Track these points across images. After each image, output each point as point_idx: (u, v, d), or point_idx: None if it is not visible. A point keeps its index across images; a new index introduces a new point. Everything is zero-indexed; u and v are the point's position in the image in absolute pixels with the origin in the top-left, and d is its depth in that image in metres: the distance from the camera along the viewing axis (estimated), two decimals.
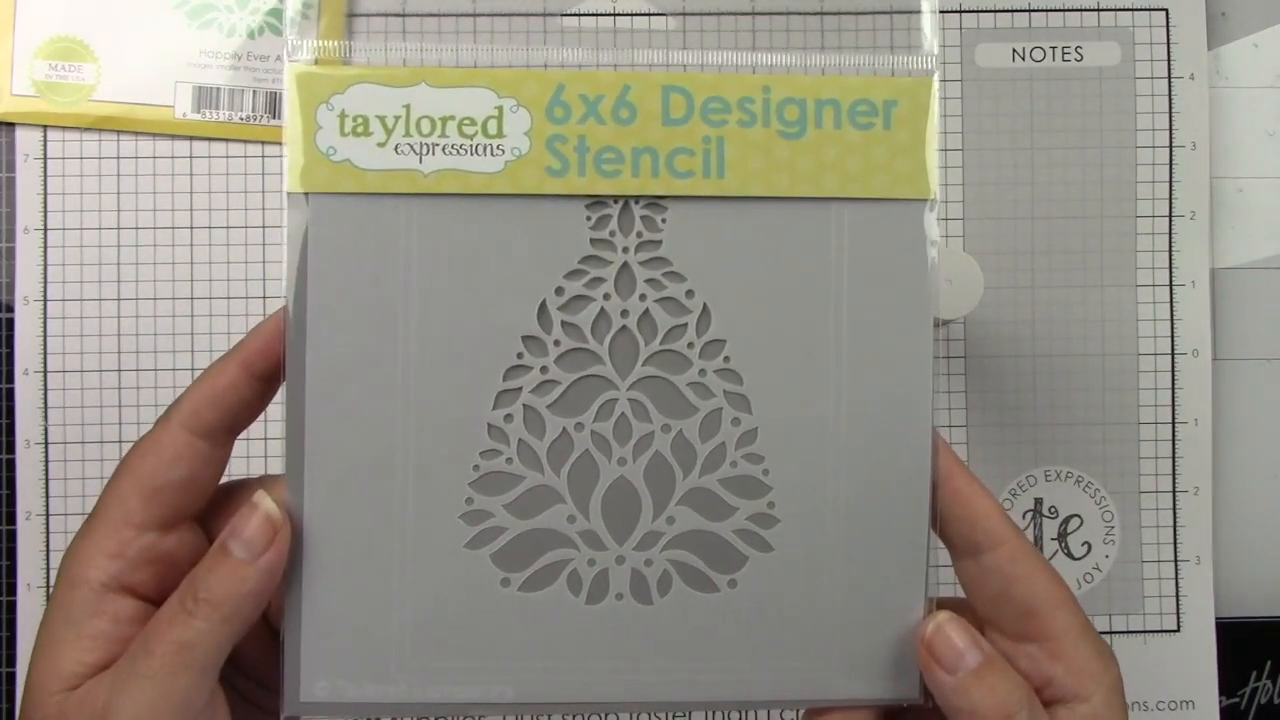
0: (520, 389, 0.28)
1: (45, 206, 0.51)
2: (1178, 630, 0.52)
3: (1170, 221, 0.53)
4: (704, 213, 0.28)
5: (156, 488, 0.30)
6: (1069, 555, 0.52)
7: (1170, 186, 0.53)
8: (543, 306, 0.28)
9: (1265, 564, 0.53)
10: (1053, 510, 0.52)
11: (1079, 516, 0.52)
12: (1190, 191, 0.53)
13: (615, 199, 0.28)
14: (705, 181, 0.28)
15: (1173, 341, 0.53)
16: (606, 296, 0.29)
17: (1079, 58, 0.53)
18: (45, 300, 0.51)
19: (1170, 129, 0.53)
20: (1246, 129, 0.54)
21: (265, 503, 0.29)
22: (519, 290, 0.28)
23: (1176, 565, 0.52)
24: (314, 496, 0.29)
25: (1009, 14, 0.53)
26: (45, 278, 0.51)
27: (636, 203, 0.28)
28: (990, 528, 0.31)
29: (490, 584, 0.29)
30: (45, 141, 0.51)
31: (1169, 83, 0.53)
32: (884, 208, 0.28)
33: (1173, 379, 0.53)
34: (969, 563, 0.32)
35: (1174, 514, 0.52)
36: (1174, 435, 0.52)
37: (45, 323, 0.51)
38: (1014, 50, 0.53)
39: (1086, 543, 0.52)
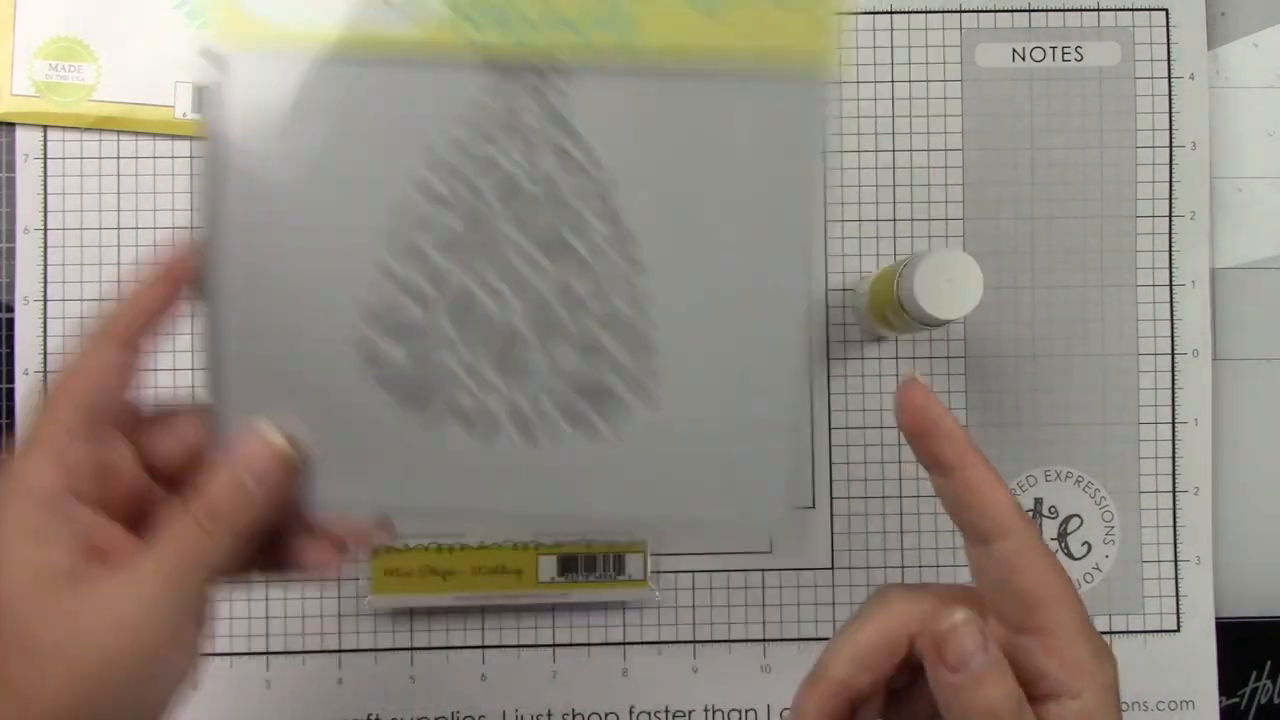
0: (411, 233, 0.29)
1: (45, 206, 0.51)
2: (1178, 630, 0.52)
3: (1170, 221, 0.53)
4: (613, 83, 0.28)
5: (91, 402, 0.31)
6: (1069, 555, 0.52)
7: (1170, 186, 0.53)
8: (439, 159, 0.28)
9: (1265, 564, 0.53)
10: (1053, 510, 0.52)
11: (1079, 516, 0.52)
12: (1190, 191, 0.53)
13: (530, 66, 0.28)
14: (615, 53, 0.28)
15: (1173, 341, 0.53)
16: (509, 155, 0.29)
17: (1079, 58, 0.53)
18: (45, 300, 0.51)
19: (1170, 129, 0.53)
20: (1246, 129, 0.54)
21: (273, 436, 0.31)
22: (418, 143, 0.28)
23: (1176, 565, 0.52)
24: (230, 318, 0.31)
25: (1009, 14, 0.53)
26: (45, 278, 0.51)
27: (546, 70, 0.28)
28: (999, 518, 0.32)
29: (384, 419, 0.30)
30: (45, 141, 0.51)
31: (1169, 83, 0.53)
32: (787, 85, 0.28)
33: (1173, 379, 0.53)
34: (978, 550, 0.32)
35: (1174, 514, 0.52)
36: (1174, 435, 0.52)
37: (45, 323, 0.51)
38: (1014, 50, 0.53)
39: (1086, 543, 0.52)
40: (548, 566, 0.46)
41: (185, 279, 0.33)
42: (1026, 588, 0.31)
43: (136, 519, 0.32)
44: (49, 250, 0.51)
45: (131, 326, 0.32)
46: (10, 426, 0.50)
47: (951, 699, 0.30)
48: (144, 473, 0.33)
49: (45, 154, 0.51)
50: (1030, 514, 0.52)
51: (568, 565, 0.46)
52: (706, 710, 0.51)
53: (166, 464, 0.33)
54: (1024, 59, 0.53)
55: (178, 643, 0.31)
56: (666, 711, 0.51)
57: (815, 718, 0.32)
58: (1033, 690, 0.31)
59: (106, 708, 0.30)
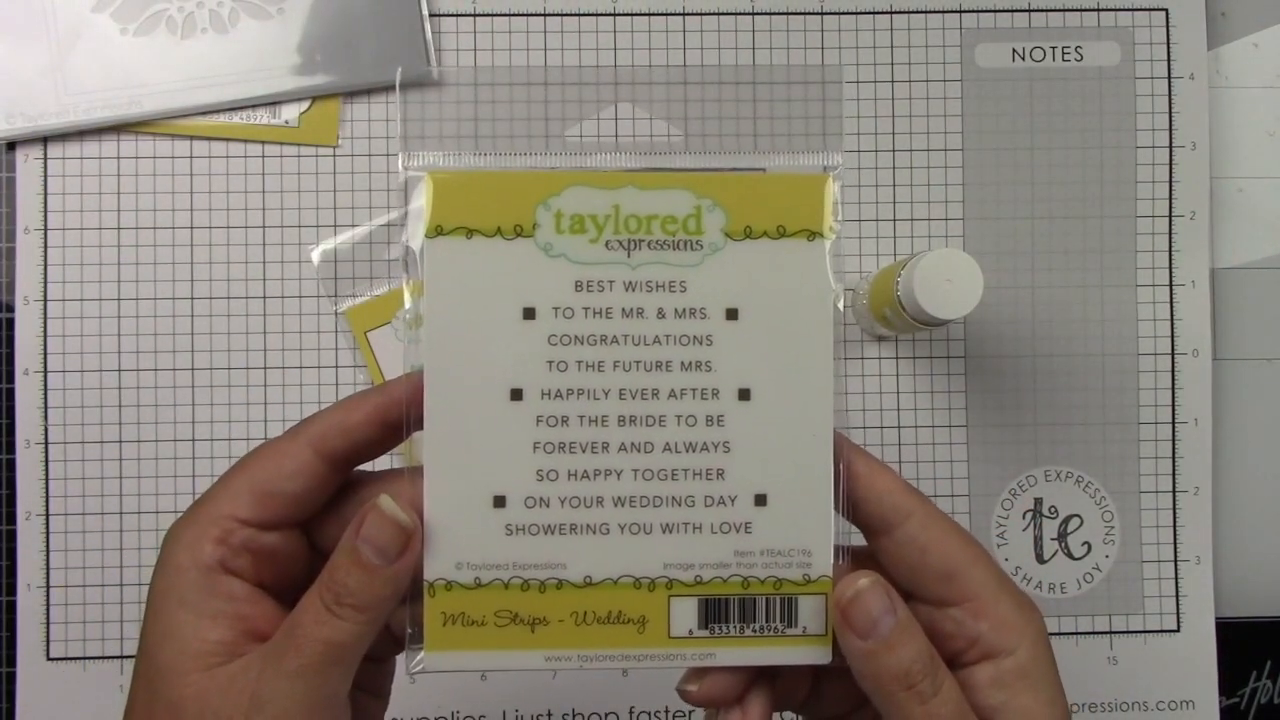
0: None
1: (45, 206, 0.51)
2: (1178, 630, 0.52)
3: (1170, 221, 0.53)
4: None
5: (269, 492, 0.31)
6: (1069, 555, 0.52)
7: (1170, 186, 0.53)
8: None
9: (1265, 564, 0.53)
10: (1053, 510, 0.52)
11: (1079, 516, 0.52)
12: (1190, 191, 0.53)
13: None
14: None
15: (1173, 341, 0.53)
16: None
17: (1079, 58, 0.53)
18: (45, 300, 0.51)
19: (1170, 129, 0.53)
20: (1246, 129, 0.54)
21: (391, 508, 0.30)
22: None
23: (1176, 565, 0.52)
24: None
25: (1009, 14, 0.53)
26: (45, 278, 0.51)
27: None
28: (895, 502, 0.32)
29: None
30: (45, 142, 0.51)
31: (1169, 83, 0.53)
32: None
33: (1173, 379, 0.53)
34: (884, 540, 0.32)
35: (1174, 514, 0.52)
36: (1174, 435, 0.52)
37: (45, 323, 0.51)
38: (1014, 50, 0.53)
39: (1086, 543, 0.52)
40: (684, 614, 0.32)
41: (398, 419, 0.32)
42: (939, 562, 0.31)
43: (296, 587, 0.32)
44: (49, 250, 0.51)
45: (327, 439, 0.32)
46: (10, 426, 0.51)
47: (863, 666, 0.30)
48: (318, 563, 0.32)
49: (45, 154, 0.51)
50: (1030, 514, 0.52)
51: (713, 612, 0.32)
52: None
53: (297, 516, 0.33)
54: (1024, 59, 0.53)
55: None
56: (666, 711, 0.51)
57: None
58: (967, 655, 0.31)
59: None
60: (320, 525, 0.33)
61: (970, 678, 0.31)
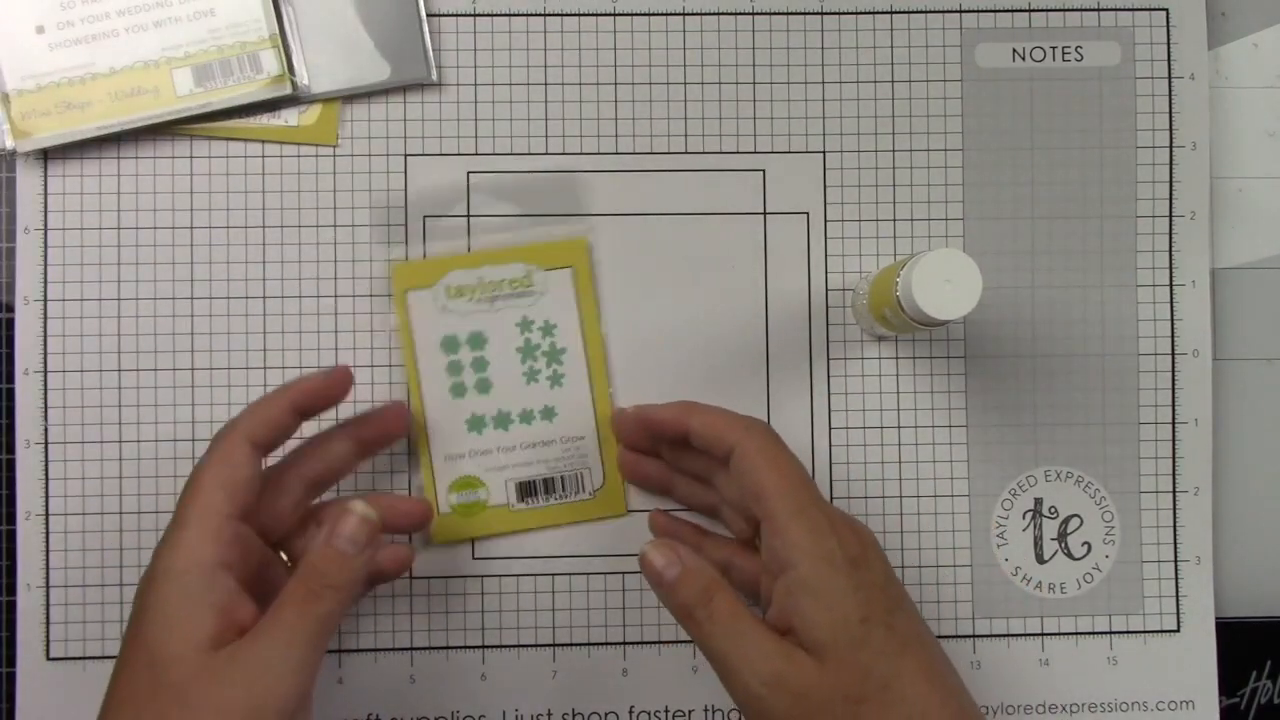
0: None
1: (45, 206, 0.51)
2: (1178, 630, 0.52)
3: (1170, 221, 0.53)
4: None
5: (235, 483, 0.40)
6: (1069, 555, 0.52)
7: (1170, 186, 0.53)
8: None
9: (1265, 564, 0.53)
10: (1053, 510, 0.52)
11: (1079, 516, 0.52)
12: (1190, 191, 0.53)
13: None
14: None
15: (1173, 341, 0.53)
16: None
17: (1079, 58, 0.53)
18: (45, 300, 0.51)
19: (1170, 129, 0.53)
20: (1246, 129, 0.54)
21: (360, 508, 0.40)
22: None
23: (1176, 565, 0.52)
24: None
25: (1009, 14, 0.53)
26: (45, 278, 0.51)
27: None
28: (726, 438, 0.42)
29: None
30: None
31: (1169, 83, 0.53)
32: None
33: (1173, 379, 0.53)
34: (723, 472, 0.44)
35: (1174, 514, 0.52)
36: (1174, 435, 0.52)
37: (45, 323, 0.51)
38: (1014, 50, 0.53)
39: (1086, 543, 0.52)
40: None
41: (305, 412, 0.44)
42: (750, 485, 0.41)
43: (259, 587, 0.40)
44: (49, 250, 0.51)
45: (255, 428, 0.42)
46: (10, 426, 0.51)
47: (660, 600, 0.42)
48: (264, 544, 0.42)
49: (46, 154, 0.51)
50: (1030, 514, 0.52)
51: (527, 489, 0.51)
52: (706, 710, 0.51)
53: (273, 532, 0.44)
54: (1024, 59, 0.53)
55: (306, 694, 0.38)
56: (666, 711, 0.51)
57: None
58: (771, 567, 0.40)
59: None
60: (258, 515, 0.43)
61: (774, 585, 0.40)
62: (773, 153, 0.52)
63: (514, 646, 0.51)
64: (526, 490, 0.50)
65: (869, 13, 0.52)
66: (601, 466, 0.50)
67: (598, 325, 0.50)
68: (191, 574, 0.38)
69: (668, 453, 0.49)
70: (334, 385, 0.44)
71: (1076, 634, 0.52)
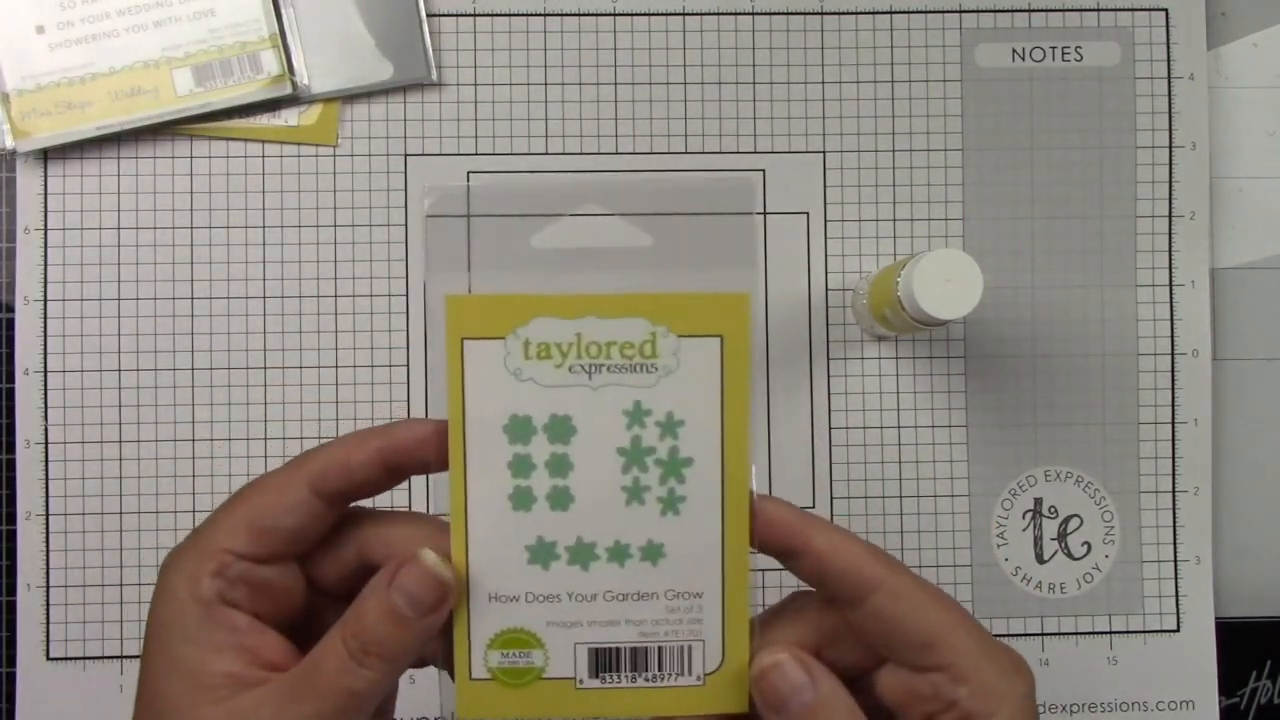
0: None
1: (45, 206, 0.51)
2: (1178, 630, 0.52)
3: (1170, 221, 0.53)
4: None
5: (265, 528, 0.31)
6: (1069, 555, 0.52)
7: (1170, 186, 0.53)
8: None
9: (1265, 564, 0.53)
10: (1053, 510, 0.52)
11: (1079, 516, 0.52)
12: (1190, 191, 0.53)
13: None
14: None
15: (1173, 341, 0.53)
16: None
17: (1079, 58, 0.53)
18: (45, 300, 0.51)
19: (1170, 129, 0.53)
20: (1246, 129, 0.54)
21: (431, 560, 0.30)
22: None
23: (1176, 565, 0.52)
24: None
25: (1009, 14, 0.53)
26: (45, 278, 0.51)
27: None
28: (862, 574, 0.31)
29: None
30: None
31: (1169, 83, 0.53)
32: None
33: (1173, 379, 0.53)
34: (855, 611, 0.31)
35: (1174, 514, 0.52)
36: (1174, 435, 0.52)
37: (45, 323, 0.51)
38: (1014, 50, 0.53)
39: (1086, 543, 0.52)
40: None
41: (400, 465, 0.32)
42: (913, 633, 0.31)
43: (310, 636, 0.32)
44: (49, 250, 0.51)
45: (326, 478, 0.31)
46: (10, 426, 0.51)
47: None
48: (314, 596, 0.33)
49: (46, 154, 0.51)
50: (1030, 514, 0.52)
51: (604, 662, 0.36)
52: None
53: (334, 589, 0.33)
54: (1024, 59, 0.53)
55: None
56: None
57: None
58: (946, 716, 0.31)
59: None
60: (315, 558, 0.32)
61: None
62: (773, 153, 0.52)
63: None
64: (605, 661, 0.34)
65: (869, 13, 0.52)
66: (721, 639, 0.33)
67: (746, 428, 0.33)
68: (188, 608, 0.31)
69: None
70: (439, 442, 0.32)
71: (1076, 634, 0.52)
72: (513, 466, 0.33)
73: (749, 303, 0.33)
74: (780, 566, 0.32)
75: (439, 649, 0.32)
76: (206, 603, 0.30)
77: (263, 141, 0.51)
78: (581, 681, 0.33)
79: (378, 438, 0.32)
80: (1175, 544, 0.52)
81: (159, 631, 0.31)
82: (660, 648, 0.34)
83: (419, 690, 0.50)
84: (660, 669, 0.34)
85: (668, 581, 0.33)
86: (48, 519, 0.50)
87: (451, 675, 0.32)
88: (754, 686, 0.31)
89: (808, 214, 0.52)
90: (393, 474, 0.32)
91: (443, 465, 0.32)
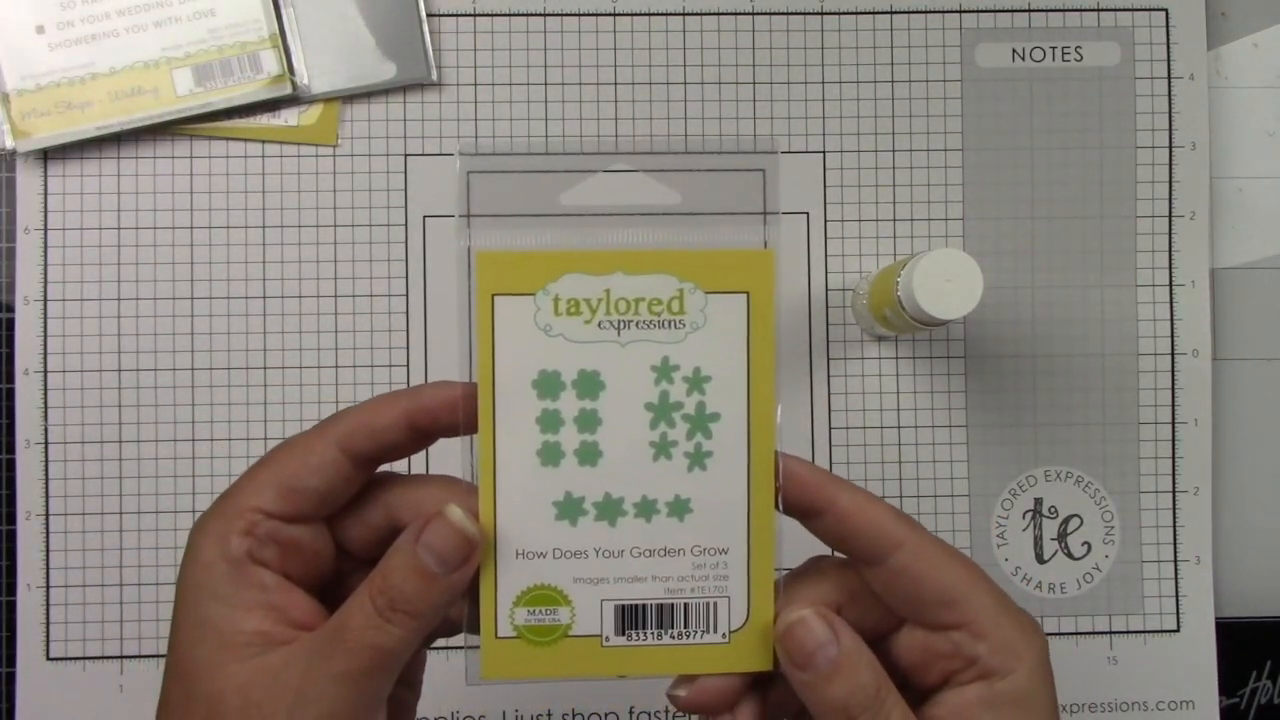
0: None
1: (45, 206, 0.51)
2: (1178, 630, 0.52)
3: (1170, 221, 0.53)
4: None
5: (294, 488, 0.31)
6: (1069, 555, 0.52)
7: (1170, 186, 0.53)
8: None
9: (1265, 564, 0.53)
10: (1053, 510, 0.52)
11: (1079, 516, 0.52)
12: (1190, 191, 0.53)
13: None
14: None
15: (1173, 341, 0.53)
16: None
17: (1079, 58, 0.53)
18: (45, 300, 0.51)
19: (1170, 129, 0.53)
20: (1246, 129, 0.54)
21: (457, 516, 0.30)
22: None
23: (1176, 565, 0.52)
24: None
25: (1009, 14, 0.53)
26: (45, 278, 0.51)
27: None
28: (885, 533, 0.31)
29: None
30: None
31: (1169, 83, 0.53)
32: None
33: (1173, 379, 0.53)
34: (877, 570, 0.31)
35: (1174, 514, 0.52)
36: (1174, 435, 0.52)
37: (45, 323, 0.51)
38: (1014, 50, 0.53)
39: (1086, 543, 0.52)
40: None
41: (427, 426, 0.32)
42: (934, 591, 0.31)
43: (338, 599, 0.32)
44: (49, 250, 0.51)
45: (354, 438, 0.31)
46: (10, 426, 0.51)
47: (804, 695, 0.31)
48: (342, 559, 0.33)
49: (46, 154, 0.51)
50: (1030, 514, 0.52)
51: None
52: None
53: (363, 552, 0.33)
54: (1024, 59, 0.53)
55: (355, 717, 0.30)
56: (666, 711, 0.51)
57: None
58: (962, 675, 0.31)
59: None
60: (343, 521, 0.33)
61: (960, 696, 0.31)
62: (773, 153, 0.52)
63: None
64: (631, 618, 0.34)
65: (869, 13, 0.52)
66: (747, 596, 0.33)
67: (772, 385, 0.33)
68: (217, 568, 0.31)
69: None
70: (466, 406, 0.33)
71: (1076, 634, 0.52)
72: (541, 422, 0.33)
73: (775, 259, 0.33)
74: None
75: (465, 612, 0.32)
76: (236, 561, 0.31)
77: (263, 141, 0.51)
78: (608, 639, 0.33)
79: (405, 399, 0.32)
80: (1175, 544, 0.52)
81: (187, 594, 0.31)
82: (686, 604, 0.33)
83: (427, 689, 0.50)
84: (686, 626, 0.33)
85: (694, 537, 0.33)
86: (48, 519, 0.50)
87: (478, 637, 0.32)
88: (779, 643, 0.31)
89: (808, 214, 0.52)
90: (419, 436, 0.32)
91: (470, 428, 0.32)
